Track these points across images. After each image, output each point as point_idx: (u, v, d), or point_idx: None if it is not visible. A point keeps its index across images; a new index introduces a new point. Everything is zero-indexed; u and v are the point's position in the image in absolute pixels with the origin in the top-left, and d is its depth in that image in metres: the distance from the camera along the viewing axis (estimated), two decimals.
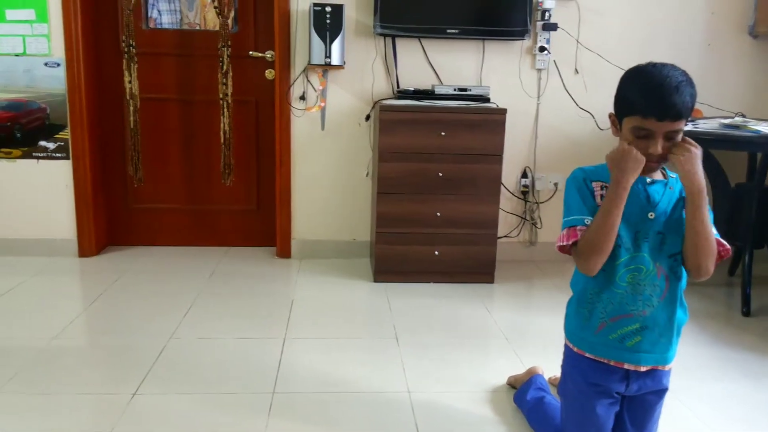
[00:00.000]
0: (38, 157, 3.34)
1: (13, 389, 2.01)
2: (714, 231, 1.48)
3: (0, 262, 3.29)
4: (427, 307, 2.83)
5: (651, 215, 1.50)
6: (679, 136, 1.46)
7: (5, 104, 3.29)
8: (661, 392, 1.60)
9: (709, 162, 3.10)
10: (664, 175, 1.55)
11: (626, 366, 1.54)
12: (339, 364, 2.25)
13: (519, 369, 2.22)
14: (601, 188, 1.54)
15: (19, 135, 3.32)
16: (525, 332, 2.60)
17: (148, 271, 3.22)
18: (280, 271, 3.29)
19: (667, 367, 1.57)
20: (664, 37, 3.41)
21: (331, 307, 2.82)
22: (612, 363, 1.55)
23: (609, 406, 1.59)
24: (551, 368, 2.26)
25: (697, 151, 1.44)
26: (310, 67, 3.28)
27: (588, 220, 1.53)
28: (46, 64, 3.25)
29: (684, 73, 1.47)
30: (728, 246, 1.51)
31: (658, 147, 1.44)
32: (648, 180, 1.51)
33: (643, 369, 1.54)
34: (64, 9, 3.17)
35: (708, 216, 1.46)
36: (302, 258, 3.49)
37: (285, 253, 3.51)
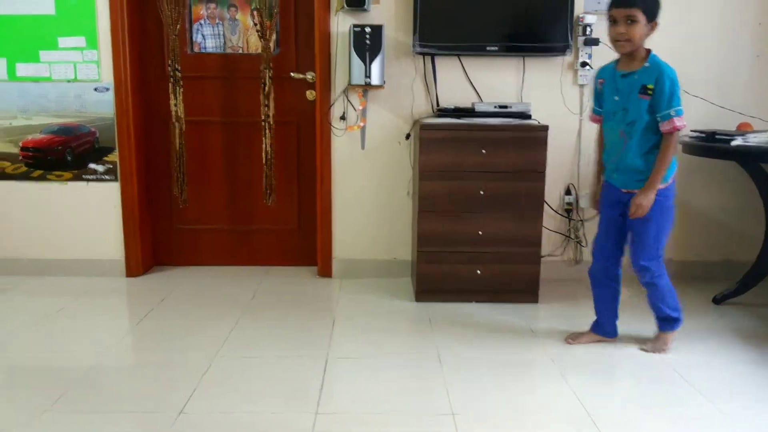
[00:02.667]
0: (88, 180, 3.44)
1: (62, 408, 2.05)
2: (674, 120, 2.25)
3: (51, 282, 3.38)
4: (470, 327, 2.79)
5: (615, 98, 2.37)
6: (636, 23, 2.23)
7: (57, 128, 3.40)
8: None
9: (759, 176, 3.00)
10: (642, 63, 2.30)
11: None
12: (382, 385, 2.23)
13: (565, 391, 2.17)
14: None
15: (70, 158, 3.43)
16: (571, 354, 2.53)
17: (192, 290, 3.27)
18: (321, 291, 3.30)
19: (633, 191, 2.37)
20: (710, 48, 3.33)
21: (372, 326, 2.80)
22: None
23: None
24: (601, 394, 2.20)
25: (643, 210, 2.32)
26: (350, 87, 3.30)
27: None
28: (95, 89, 3.35)
29: None
30: (681, 126, 2.26)
31: (620, 28, 2.26)
32: (621, 74, 2.35)
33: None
34: (113, 36, 3.28)
35: (664, 164, 2.30)
36: (343, 277, 3.49)
37: (326, 272, 3.51)
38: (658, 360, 2.46)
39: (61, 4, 3.28)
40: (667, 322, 2.54)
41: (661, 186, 2.33)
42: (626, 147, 2.35)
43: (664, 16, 3.25)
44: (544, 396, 2.17)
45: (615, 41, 2.31)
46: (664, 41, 3.29)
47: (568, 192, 3.43)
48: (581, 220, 3.46)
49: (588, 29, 3.24)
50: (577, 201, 3.44)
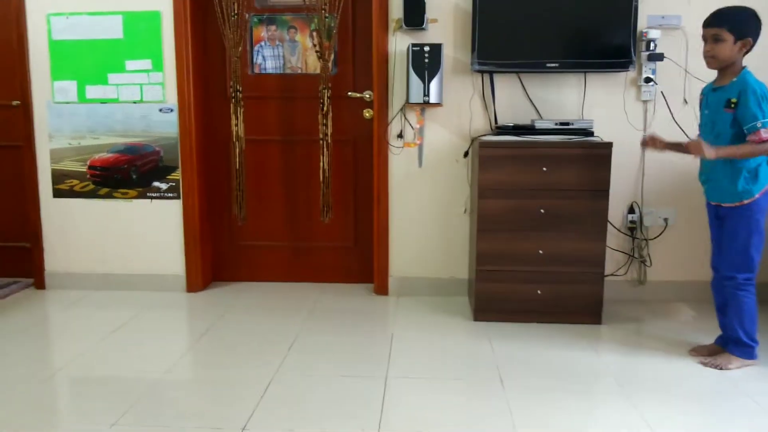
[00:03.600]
0: (151, 197, 3.54)
1: (128, 422, 2.09)
2: (761, 132, 2.28)
3: (117, 295, 3.48)
4: (532, 348, 2.73)
5: (706, 111, 2.51)
6: (723, 42, 2.33)
7: (123, 148, 3.52)
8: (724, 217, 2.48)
9: None
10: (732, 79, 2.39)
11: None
12: (443, 406, 2.20)
13: (632, 416, 2.10)
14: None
15: (135, 176, 3.54)
16: (637, 377, 2.45)
17: (251, 306, 3.31)
18: (378, 309, 3.29)
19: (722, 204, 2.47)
20: None
21: (431, 346, 2.77)
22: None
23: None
24: (669, 420, 2.11)
25: (696, 151, 2.36)
26: (407, 105, 3.31)
27: None
28: (160, 110, 3.46)
29: (738, 7, 2.45)
30: (765, 137, 2.27)
31: (707, 46, 2.39)
32: (712, 88, 2.47)
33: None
34: (177, 58, 3.38)
35: (739, 152, 2.32)
36: (400, 295, 3.48)
37: (382, 290, 3.51)
38: (731, 386, 2.35)
39: (129, 29, 3.40)
40: (744, 348, 2.49)
41: (746, 200, 2.39)
42: (714, 160, 2.40)
43: None
44: (610, 422, 2.10)
45: (704, 58, 2.44)
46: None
47: (631, 210, 3.34)
48: (645, 239, 3.36)
49: (652, 44, 3.16)
50: (641, 220, 3.34)
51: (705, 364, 2.52)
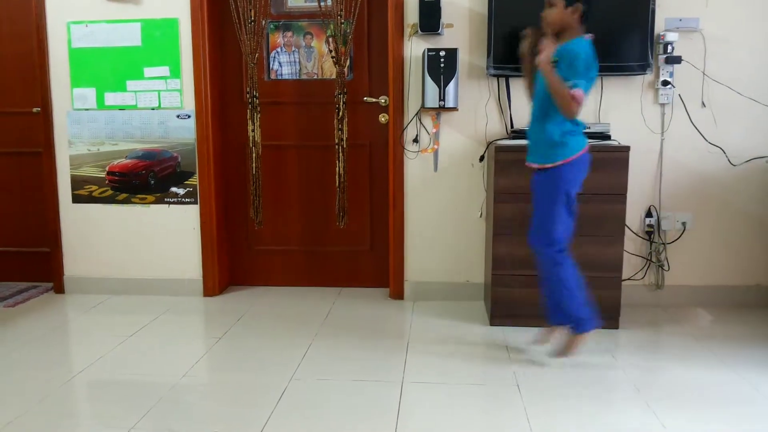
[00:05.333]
0: (169, 202, 3.57)
1: (146, 426, 2.10)
2: (573, 91, 2.32)
3: (135, 300, 3.51)
4: (549, 353, 2.71)
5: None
6: (552, 7, 2.45)
7: (141, 154, 3.56)
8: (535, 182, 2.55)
9: None
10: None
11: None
12: (460, 411, 2.19)
13: (652, 421, 2.08)
14: None
15: (152, 182, 3.57)
16: (656, 382, 2.43)
17: (267, 311, 3.32)
18: (394, 313, 3.29)
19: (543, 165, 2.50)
20: None
21: (448, 350, 2.77)
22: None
23: None
24: (691, 425, 2.09)
25: (542, 57, 2.38)
26: (423, 110, 3.32)
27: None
28: (178, 116, 3.49)
29: None
30: (579, 98, 2.33)
31: (543, 12, 2.51)
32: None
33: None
34: (195, 65, 3.42)
35: (555, 79, 2.35)
36: (415, 299, 3.48)
37: (398, 294, 3.51)
38: (752, 390, 2.32)
39: (148, 36, 3.44)
40: (580, 323, 2.53)
41: (549, 165, 2.46)
42: (538, 125, 2.52)
43: (751, 35, 3.15)
44: (629, 428, 2.08)
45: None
46: (750, 61, 3.17)
47: (649, 214, 3.31)
48: (663, 244, 3.33)
49: (669, 47, 3.14)
50: (659, 224, 3.31)
51: (555, 356, 2.58)
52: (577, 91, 2.34)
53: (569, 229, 2.52)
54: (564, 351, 2.57)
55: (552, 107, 2.42)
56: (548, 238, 2.48)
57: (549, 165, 2.46)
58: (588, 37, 2.47)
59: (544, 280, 2.58)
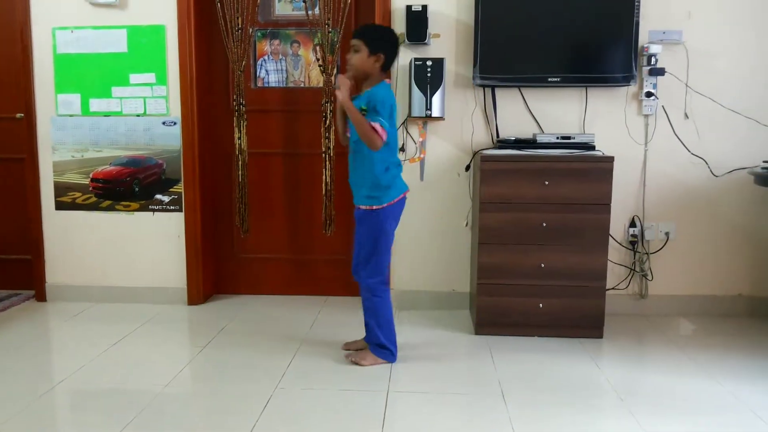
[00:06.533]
0: (154, 210, 3.55)
1: None
2: (373, 123, 2.43)
3: (117, 309, 3.47)
4: (534, 362, 2.72)
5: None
6: (357, 53, 2.52)
7: (126, 161, 3.53)
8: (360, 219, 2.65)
9: None
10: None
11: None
12: (444, 421, 2.19)
13: (635, 428, 2.10)
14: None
15: (137, 189, 3.55)
16: (640, 391, 2.44)
17: (252, 319, 3.30)
18: None
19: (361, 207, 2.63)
20: None
21: (433, 360, 2.76)
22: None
23: None
24: (670, 430, 2.10)
25: (338, 92, 2.46)
26: (410, 119, 3.33)
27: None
28: (163, 123, 3.47)
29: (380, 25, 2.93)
30: (380, 131, 2.43)
31: (348, 54, 2.58)
32: (354, 98, 2.53)
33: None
34: (181, 72, 3.40)
35: (355, 111, 2.44)
36: (401, 309, 3.47)
37: None
38: (734, 400, 2.34)
39: (134, 43, 3.43)
40: (382, 350, 2.69)
41: (376, 206, 2.58)
42: (355, 163, 2.63)
43: (734, 49, 3.20)
44: None
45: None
46: (732, 74, 3.22)
47: (632, 224, 3.34)
48: (647, 253, 3.35)
49: (653, 59, 3.18)
50: (642, 233, 3.34)
51: (346, 357, 2.72)
52: (377, 124, 2.44)
53: (389, 260, 2.71)
54: (358, 359, 2.68)
55: (370, 151, 2.51)
56: (374, 270, 2.62)
57: (376, 207, 2.58)
58: (388, 81, 2.60)
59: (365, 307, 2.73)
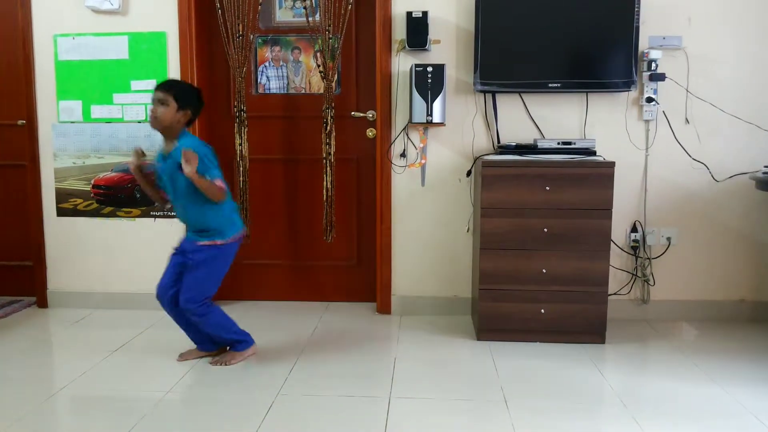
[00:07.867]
0: (155, 216, 3.55)
1: None
2: (215, 181, 2.53)
3: (119, 315, 3.47)
4: (536, 368, 2.71)
5: (164, 177, 2.64)
6: (165, 106, 2.55)
7: (127, 167, 3.52)
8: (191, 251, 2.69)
9: None
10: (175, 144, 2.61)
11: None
12: (447, 427, 2.18)
13: None
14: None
15: (138, 195, 3.55)
16: (643, 396, 2.43)
17: (253, 325, 3.27)
18: (381, 328, 3.28)
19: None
20: None
21: (435, 366, 2.76)
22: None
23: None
24: None
25: (186, 168, 2.45)
26: (411, 125, 3.33)
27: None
28: None
29: (188, 83, 2.83)
30: (220, 184, 2.55)
31: (152, 106, 2.60)
32: (162, 156, 2.64)
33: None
34: (182, 78, 3.40)
35: (203, 182, 2.50)
36: (402, 314, 3.47)
37: (385, 309, 3.50)
38: (737, 405, 2.33)
39: (135, 49, 3.44)
40: (238, 344, 2.80)
41: (219, 241, 2.65)
42: (186, 209, 2.66)
43: (734, 54, 3.21)
44: None
45: (149, 117, 2.62)
46: (733, 79, 3.23)
47: (634, 229, 3.34)
48: (648, 258, 3.35)
49: (653, 64, 3.19)
50: (644, 239, 3.34)
51: (213, 364, 2.75)
52: (218, 181, 2.54)
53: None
54: (225, 362, 2.75)
55: (203, 195, 2.55)
56: (198, 298, 2.65)
57: (219, 242, 2.65)
58: (188, 130, 2.67)
59: (187, 324, 2.78)
